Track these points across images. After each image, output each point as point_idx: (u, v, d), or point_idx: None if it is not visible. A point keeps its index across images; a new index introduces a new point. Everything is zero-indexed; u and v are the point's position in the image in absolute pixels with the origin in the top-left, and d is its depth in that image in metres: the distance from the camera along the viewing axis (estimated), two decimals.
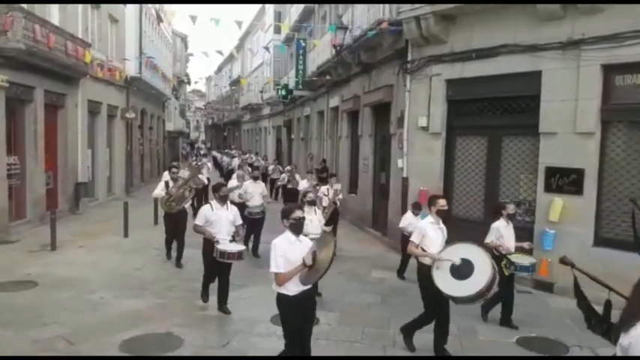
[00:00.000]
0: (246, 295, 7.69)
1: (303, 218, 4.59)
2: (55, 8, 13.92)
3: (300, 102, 23.17)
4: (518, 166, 9.12)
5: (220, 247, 6.54)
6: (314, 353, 5.58)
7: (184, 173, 10.09)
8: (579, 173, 7.93)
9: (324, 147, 19.15)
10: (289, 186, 14.77)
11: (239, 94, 43.20)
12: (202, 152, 48.98)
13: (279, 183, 17.02)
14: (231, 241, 6.81)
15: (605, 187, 7.91)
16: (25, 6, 11.53)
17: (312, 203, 7.97)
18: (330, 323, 6.59)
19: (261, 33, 33.81)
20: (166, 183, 9.31)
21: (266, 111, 33.54)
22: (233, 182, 10.69)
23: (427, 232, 5.59)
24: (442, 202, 5.72)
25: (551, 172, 8.24)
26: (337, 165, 16.89)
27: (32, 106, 12.75)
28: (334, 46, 14.38)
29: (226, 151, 37.29)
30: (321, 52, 17.72)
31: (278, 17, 29.30)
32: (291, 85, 22.46)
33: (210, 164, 19.42)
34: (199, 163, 16.17)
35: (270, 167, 20.65)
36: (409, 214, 8.67)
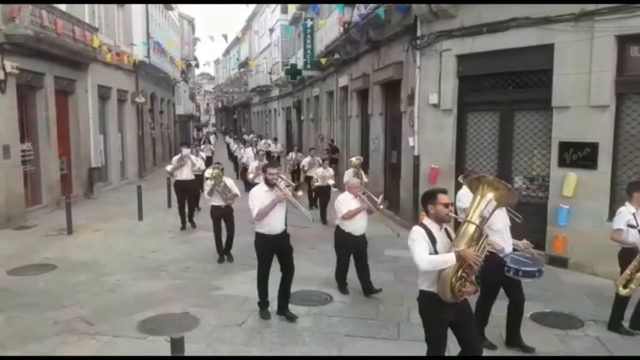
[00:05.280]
0: None
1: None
2: None
3: (309, 82, 23.01)
4: (531, 142, 9.00)
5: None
6: (327, 331, 5.69)
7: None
8: (593, 147, 7.81)
9: (334, 127, 19.05)
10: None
11: (248, 76, 43.00)
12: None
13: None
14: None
15: (620, 161, 7.80)
16: None
17: None
18: (343, 301, 6.66)
19: (269, 13, 33.51)
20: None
21: (275, 92, 33.39)
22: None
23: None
24: None
25: (565, 146, 8.13)
26: (348, 145, 16.82)
27: (43, 92, 12.84)
28: (342, 25, 14.21)
29: (244, 137, 29.17)
30: (328, 30, 17.53)
31: None
32: (300, 65, 22.28)
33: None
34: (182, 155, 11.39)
35: (305, 161, 13.54)
36: None
